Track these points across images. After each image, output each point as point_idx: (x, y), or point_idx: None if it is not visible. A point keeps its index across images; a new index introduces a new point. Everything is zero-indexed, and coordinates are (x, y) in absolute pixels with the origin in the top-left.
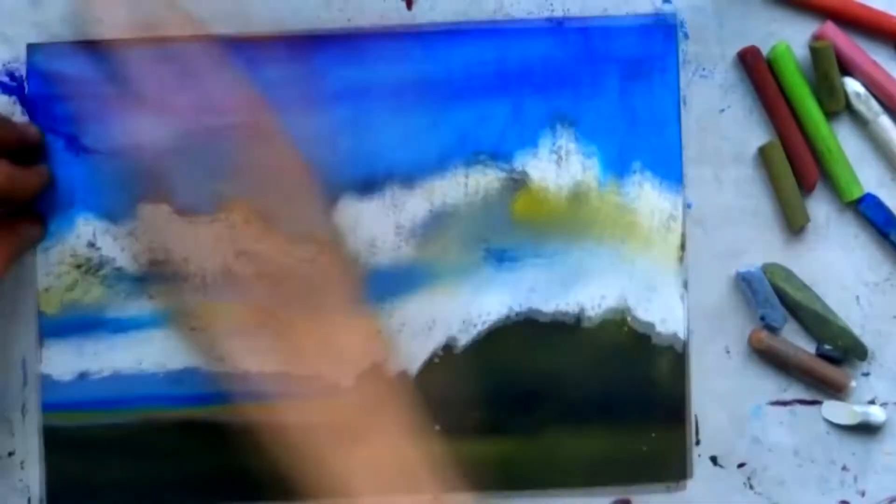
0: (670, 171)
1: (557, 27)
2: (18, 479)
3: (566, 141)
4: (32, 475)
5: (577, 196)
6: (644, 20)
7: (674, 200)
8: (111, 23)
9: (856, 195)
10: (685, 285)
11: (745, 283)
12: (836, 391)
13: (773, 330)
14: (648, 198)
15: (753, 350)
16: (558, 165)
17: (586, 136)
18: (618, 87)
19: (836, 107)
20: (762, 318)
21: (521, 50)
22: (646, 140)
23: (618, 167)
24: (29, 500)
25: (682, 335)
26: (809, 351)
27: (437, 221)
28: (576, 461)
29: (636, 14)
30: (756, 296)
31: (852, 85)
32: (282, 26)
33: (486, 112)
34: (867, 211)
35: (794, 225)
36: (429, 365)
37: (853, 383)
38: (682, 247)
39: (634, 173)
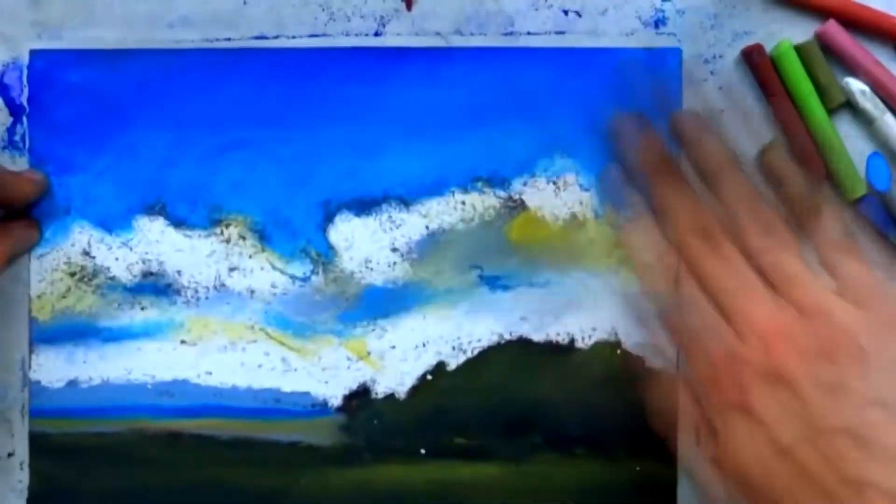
0: None
1: (561, 56)
2: (18, 481)
3: (564, 171)
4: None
5: (573, 225)
6: (647, 54)
7: None
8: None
9: (859, 193)
10: None
11: None
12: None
13: None
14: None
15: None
16: (555, 194)
17: (585, 167)
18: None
19: (830, 104)
20: None
21: (523, 77)
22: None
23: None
24: (27, 501)
25: (672, 369)
26: None
27: (433, 243)
28: (562, 489)
29: (641, 47)
30: None
31: (856, 83)
32: (282, 30)
33: (486, 136)
34: (867, 211)
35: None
36: (419, 385)
37: None
38: (676, 282)
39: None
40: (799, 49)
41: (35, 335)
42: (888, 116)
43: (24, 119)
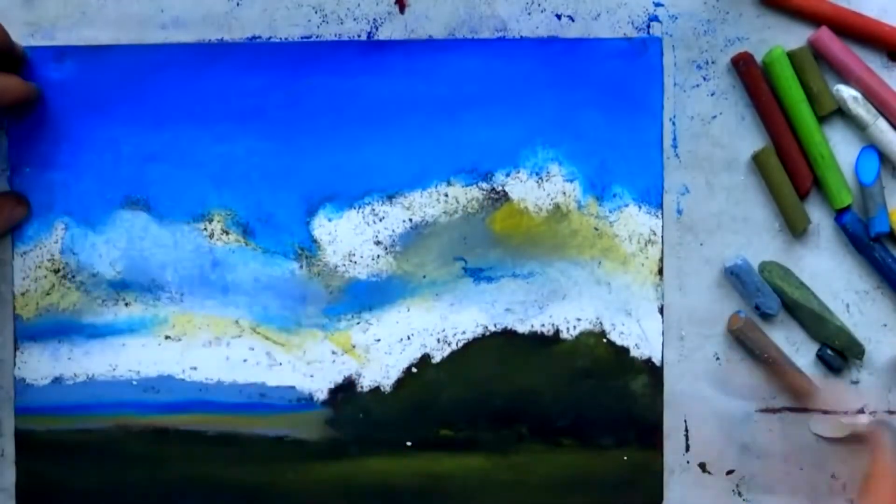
0: (650, 196)
1: (543, 47)
2: (6, 478)
3: (547, 162)
4: None
5: (556, 216)
6: (629, 44)
7: (653, 225)
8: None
9: (846, 202)
10: (661, 311)
11: (734, 277)
12: (796, 397)
13: (767, 318)
14: (627, 221)
15: (729, 332)
16: (538, 185)
17: (568, 158)
18: (601, 110)
19: (820, 111)
20: (756, 308)
21: (505, 68)
22: (627, 164)
23: (598, 190)
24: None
25: (657, 360)
26: (783, 351)
27: (416, 235)
28: (549, 479)
29: (622, 37)
30: (746, 287)
31: (847, 90)
32: (275, 31)
33: (469, 129)
34: (848, 226)
35: (795, 229)
36: (404, 378)
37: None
38: (660, 272)
39: (614, 196)
40: (791, 55)
41: (19, 333)
42: (881, 122)
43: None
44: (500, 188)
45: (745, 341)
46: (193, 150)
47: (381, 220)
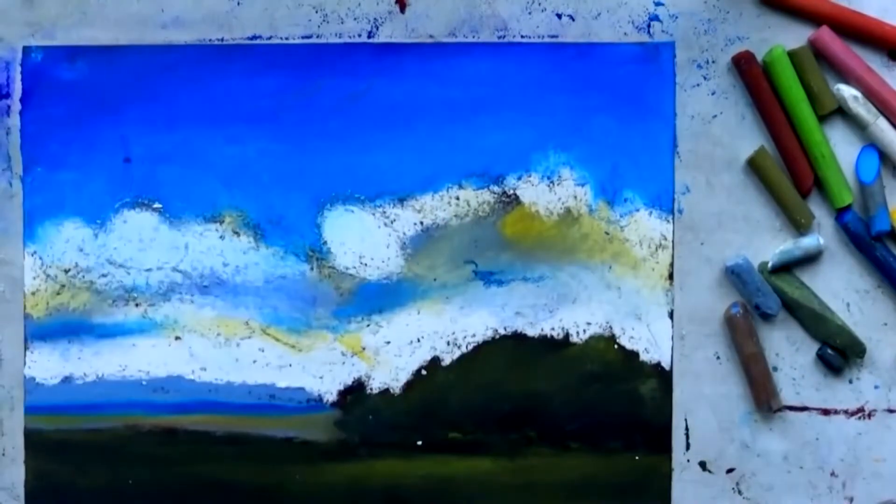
0: (661, 201)
1: (556, 51)
2: (13, 477)
3: (559, 166)
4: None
5: (567, 220)
6: (642, 48)
7: (664, 230)
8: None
9: (847, 201)
10: (671, 315)
11: (734, 276)
12: (757, 397)
13: (767, 318)
14: (638, 226)
15: (725, 320)
16: (550, 189)
17: (580, 163)
18: (613, 115)
19: (821, 111)
20: (757, 308)
21: (518, 73)
22: (638, 169)
23: (609, 194)
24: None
25: (666, 365)
26: (762, 356)
27: (427, 238)
28: (557, 483)
29: (634, 42)
30: (747, 286)
31: (848, 89)
32: (275, 31)
33: (481, 132)
34: (849, 225)
35: (800, 227)
36: (414, 380)
37: (773, 404)
38: (670, 277)
39: (625, 201)
40: (792, 55)
41: (29, 332)
42: (881, 121)
43: (18, 117)
44: (511, 192)
45: (732, 334)
46: (205, 152)
47: (392, 223)
